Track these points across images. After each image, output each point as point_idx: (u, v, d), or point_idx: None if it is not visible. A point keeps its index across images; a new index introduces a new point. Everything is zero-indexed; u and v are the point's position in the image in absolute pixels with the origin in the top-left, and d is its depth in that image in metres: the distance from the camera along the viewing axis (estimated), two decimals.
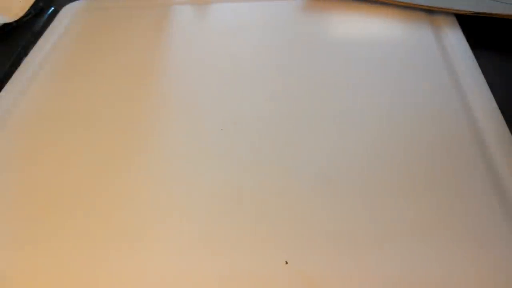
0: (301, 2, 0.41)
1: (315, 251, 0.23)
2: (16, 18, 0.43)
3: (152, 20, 0.41)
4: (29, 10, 0.44)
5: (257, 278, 0.22)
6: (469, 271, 0.21)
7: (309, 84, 0.32)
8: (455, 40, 0.35)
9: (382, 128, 0.29)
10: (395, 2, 0.38)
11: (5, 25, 0.42)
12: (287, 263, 0.22)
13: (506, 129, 0.28)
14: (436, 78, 0.32)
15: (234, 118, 0.30)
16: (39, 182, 0.28)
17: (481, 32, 0.36)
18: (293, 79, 0.33)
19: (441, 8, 0.37)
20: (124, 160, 0.28)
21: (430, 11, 0.38)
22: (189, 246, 0.24)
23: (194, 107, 0.32)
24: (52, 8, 0.45)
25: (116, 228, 0.25)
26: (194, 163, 0.28)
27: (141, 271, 0.23)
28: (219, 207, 0.25)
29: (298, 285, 0.22)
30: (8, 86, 0.35)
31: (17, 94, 0.34)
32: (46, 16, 0.44)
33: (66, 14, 0.43)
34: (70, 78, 0.35)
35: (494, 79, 0.31)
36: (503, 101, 0.30)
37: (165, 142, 0.29)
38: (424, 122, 0.29)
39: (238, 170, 0.27)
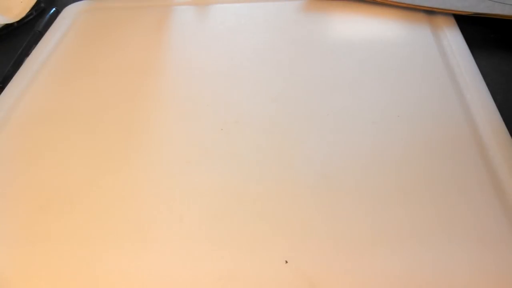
0: (301, 2, 0.41)
1: (315, 250, 0.23)
2: (18, 18, 0.43)
3: (153, 21, 0.41)
4: (30, 10, 0.44)
5: (257, 278, 0.22)
6: (469, 271, 0.21)
7: (309, 84, 0.32)
8: (454, 40, 0.35)
9: (381, 128, 0.29)
10: (394, 2, 0.38)
11: (7, 25, 0.43)
12: (287, 262, 0.22)
13: (504, 129, 0.28)
14: (435, 78, 0.32)
15: (234, 118, 0.30)
16: (40, 181, 0.28)
17: (479, 33, 0.36)
18: (293, 79, 0.33)
19: (440, 8, 0.37)
20: (124, 160, 0.28)
21: (429, 12, 0.38)
22: (189, 246, 0.24)
23: (194, 107, 0.32)
24: (54, 8, 0.45)
25: (116, 228, 0.25)
26: (194, 162, 0.28)
27: (141, 271, 0.23)
28: (219, 206, 0.25)
29: (298, 284, 0.22)
30: (10, 86, 0.35)
31: (18, 94, 0.34)
32: (47, 16, 0.44)
33: (67, 15, 0.43)
34: (72, 78, 0.35)
35: (493, 79, 0.31)
36: (501, 101, 0.30)
37: (166, 142, 0.29)
38: (423, 122, 0.29)
39: (238, 169, 0.27)
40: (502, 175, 0.25)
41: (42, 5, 0.46)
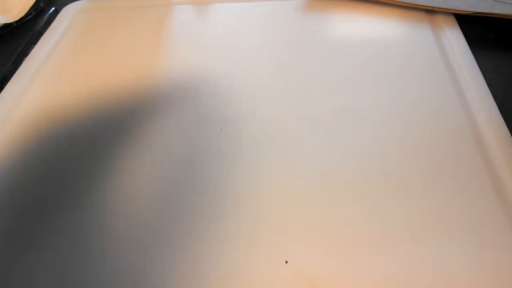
0: (301, 2, 0.41)
1: (315, 250, 0.23)
2: (17, 18, 0.43)
3: (152, 20, 0.41)
4: (29, 10, 0.44)
5: (257, 278, 0.22)
6: (469, 271, 0.21)
7: (309, 84, 0.32)
8: (454, 39, 0.35)
9: (381, 127, 0.29)
10: (394, 2, 0.38)
11: (6, 25, 0.42)
12: (286, 262, 0.22)
13: (505, 128, 0.28)
14: (436, 77, 0.32)
15: (234, 117, 0.30)
16: (40, 181, 0.28)
17: (480, 32, 0.36)
18: (293, 78, 0.33)
19: (441, 8, 0.37)
20: (123, 159, 0.28)
21: (429, 11, 0.38)
22: (188, 246, 0.24)
23: (194, 107, 0.32)
24: (53, 8, 0.45)
25: (115, 228, 0.25)
26: (194, 162, 0.28)
27: (140, 271, 0.23)
28: (218, 206, 0.25)
29: (298, 284, 0.22)
30: (9, 86, 0.35)
31: (17, 94, 0.34)
32: (46, 16, 0.44)
33: (66, 14, 0.43)
34: (71, 78, 0.35)
35: (493, 79, 0.31)
36: (502, 100, 0.30)
37: (165, 141, 0.29)
38: (423, 122, 0.29)
39: (237, 169, 0.27)
40: (503, 174, 0.25)
41: (41, 4, 0.46)
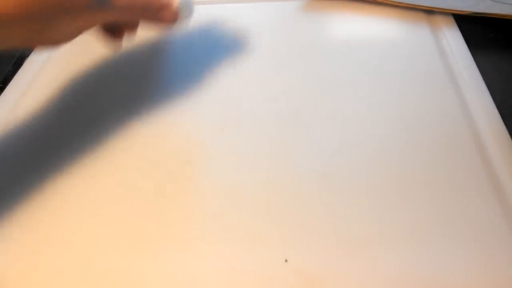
0: (301, 2, 0.41)
1: (315, 249, 0.23)
2: None
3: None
4: None
5: (256, 276, 0.22)
6: (469, 271, 0.21)
7: (309, 84, 0.32)
8: (453, 40, 0.35)
9: (380, 127, 0.29)
10: (394, 2, 0.38)
11: None
12: (286, 261, 0.23)
13: (504, 128, 0.28)
14: (434, 78, 0.32)
15: (235, 118, 0.30)
16: (39, 180, 0.28)
17: (479, 32, 0.36)
18: (292, 79, 0.33)
19: (440, 8, 0.37)
20: (123, 160, 0.28)
21: (428, 12, 0.38)
22: (188, 244, 0.24)
23: (194, 107, 0.32)
24: None
25: (115, 227, 0.25)
26: (194, 162, 0.28)
27: (140, 270, 0.23)
28: (218, 205, 0.25)
29: (298, 283, 0.22)
30: (10, 87, 0.35)
31: (19, 95, 0.34)
32: None
33: None
34: (73, 79, 0.35)
35: (492, 79, 0.31)
36: (500, 100, 0.30)
37: (165, 141, 0.29)
38: (422, 122, 0.29)
39: (238, 169, 0.27)
40: (501, 174, 0.25)
41: None
